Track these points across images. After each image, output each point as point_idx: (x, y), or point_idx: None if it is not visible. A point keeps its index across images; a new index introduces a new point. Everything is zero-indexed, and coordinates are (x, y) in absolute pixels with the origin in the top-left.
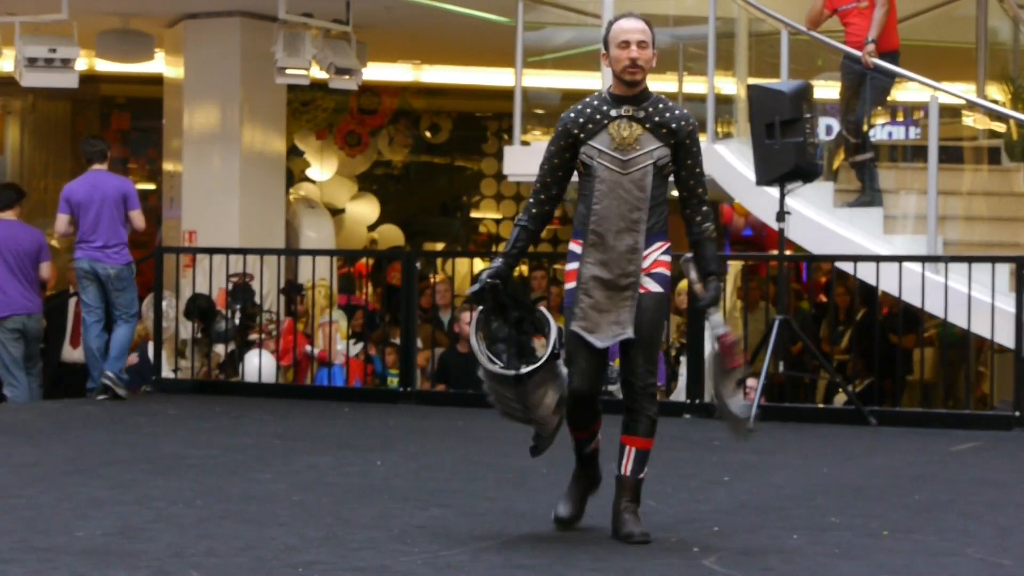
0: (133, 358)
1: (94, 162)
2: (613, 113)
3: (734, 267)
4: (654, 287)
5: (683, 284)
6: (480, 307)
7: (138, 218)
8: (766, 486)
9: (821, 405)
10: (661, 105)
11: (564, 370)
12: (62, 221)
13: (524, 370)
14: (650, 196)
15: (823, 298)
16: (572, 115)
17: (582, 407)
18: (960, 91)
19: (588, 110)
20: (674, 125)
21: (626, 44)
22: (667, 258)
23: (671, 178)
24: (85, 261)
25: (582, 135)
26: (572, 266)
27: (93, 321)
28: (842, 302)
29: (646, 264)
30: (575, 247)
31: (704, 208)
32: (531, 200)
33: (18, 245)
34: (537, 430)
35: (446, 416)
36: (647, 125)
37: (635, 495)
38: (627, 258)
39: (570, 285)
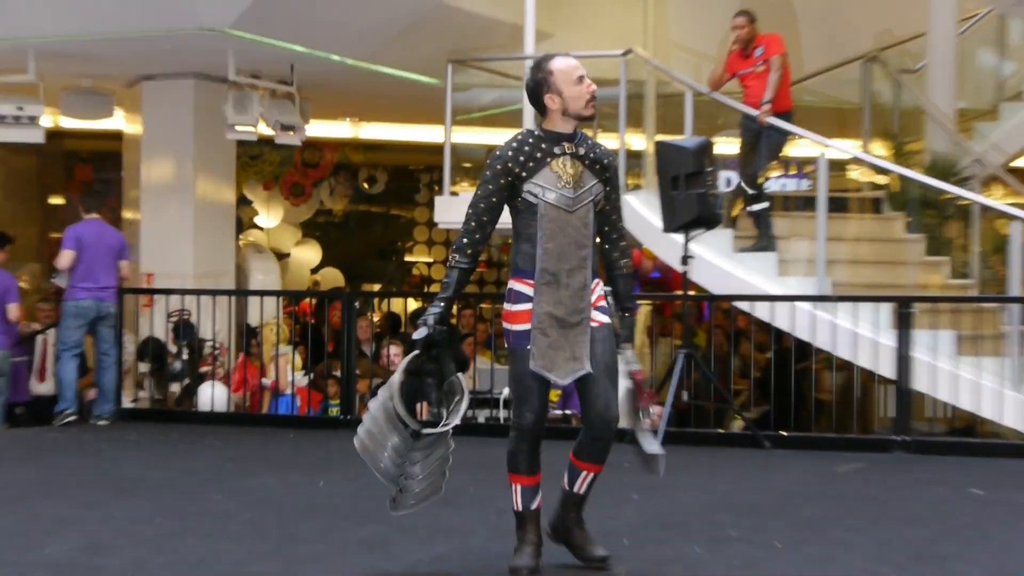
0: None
1: (92, 211)
2: (556, 151)
3: (644, 307)
4: (603, 318)
5: None
6: (417, 351)
7: (126, 268)
8: (671, 504)
9: (721, 430)
10: (590, 142)
11: (451, 445)
12: (68, 256)
13: (426, 431)
14: (592, 232)
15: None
16: (510, 153)
17: (532, 445)
18: (847, 147)
19: (526, 147)
20: (605, 161)
21: (582, 79)
22: (604, 292)
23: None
24: (91, 301)
25: (523, 173)
26: (522, 307)
27: (72, 356)
28: (757, 338)
29: (592, 299)
30: (523, 287)
31: (623, 244)
32: (464, 240)
33: None
34: (400, 484)
35: None
36: (586, 162)
37: (581, 511)
38: (579, 295)
39: (521, 327)
